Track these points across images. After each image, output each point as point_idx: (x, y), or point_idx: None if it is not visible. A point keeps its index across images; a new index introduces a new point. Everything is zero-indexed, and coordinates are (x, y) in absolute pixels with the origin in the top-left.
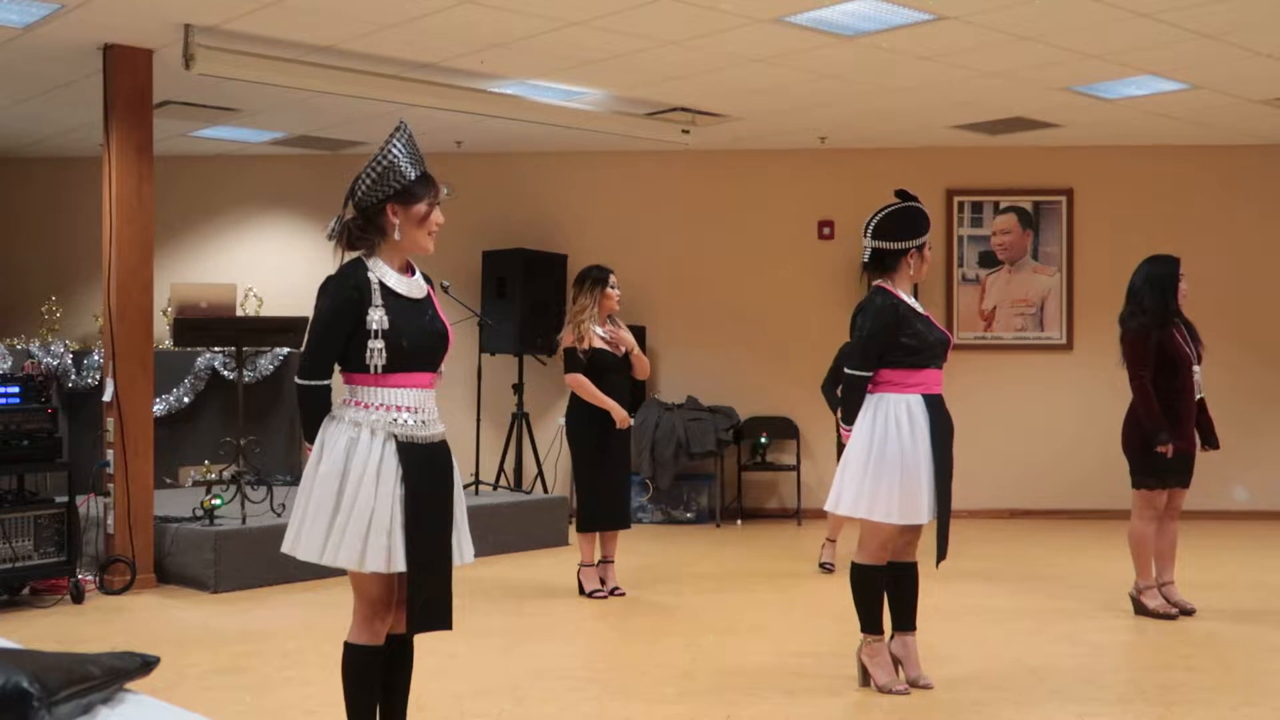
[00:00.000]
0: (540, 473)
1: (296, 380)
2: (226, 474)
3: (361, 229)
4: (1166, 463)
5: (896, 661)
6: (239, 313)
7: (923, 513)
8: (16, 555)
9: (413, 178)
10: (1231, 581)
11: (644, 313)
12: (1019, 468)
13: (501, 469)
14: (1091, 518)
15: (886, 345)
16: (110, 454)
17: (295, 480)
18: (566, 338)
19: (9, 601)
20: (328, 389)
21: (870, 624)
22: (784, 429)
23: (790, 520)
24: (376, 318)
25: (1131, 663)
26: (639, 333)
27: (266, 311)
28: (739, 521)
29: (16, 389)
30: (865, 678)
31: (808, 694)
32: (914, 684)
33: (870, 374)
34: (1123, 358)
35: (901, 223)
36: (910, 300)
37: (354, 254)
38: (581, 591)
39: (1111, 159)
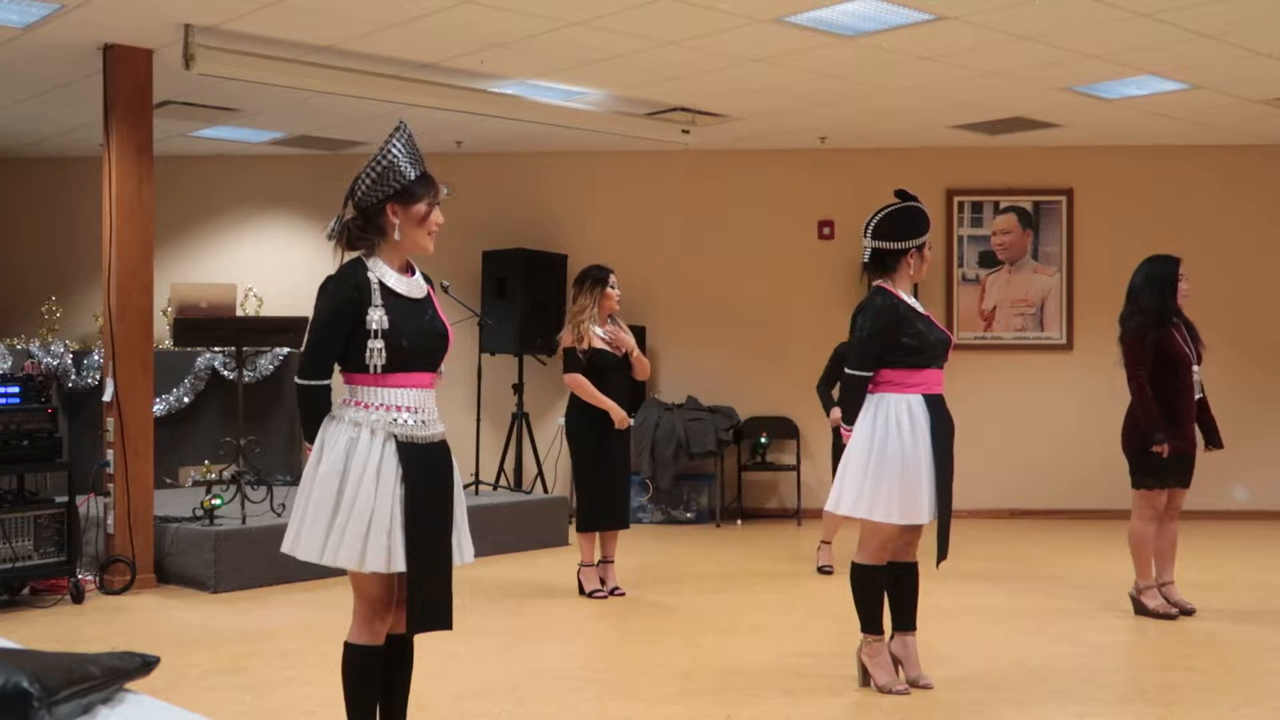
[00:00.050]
0: (540, 473)
1: (296, 380)
2: (226, 474)
3: (361, 229)
4: (1166, 463)
5: (896, 661)
6: (239, 313)
7: (923, 513)
8: (16, 555)
9: (412, 178)
10: (1231, 581)
11: (644, 313)
12: (1019, 468)
13: (501, 469)
14: (1091, 518)
15: (887, 345)
16: (110, 454)
17: (295, 480)
18: (566, 338)
19: (9, 601)
20: (328, 389)
21: (870, 624)
22: (784, 429)
23: (790, 520)
24: (376, 318)
25: (1131, 663)
26: (639, 333)
27: (266, 311)
28: (739, 521)
29: (16, 389)
30: (865, 678)
31: (808, 694)
32: (914, 684)
33: (870, 374)
34: (1121, 357)
35: (901, 223)
36: (910, 300)
37: (354, 254)
38: (581, 591)
39: (1111, 159)
